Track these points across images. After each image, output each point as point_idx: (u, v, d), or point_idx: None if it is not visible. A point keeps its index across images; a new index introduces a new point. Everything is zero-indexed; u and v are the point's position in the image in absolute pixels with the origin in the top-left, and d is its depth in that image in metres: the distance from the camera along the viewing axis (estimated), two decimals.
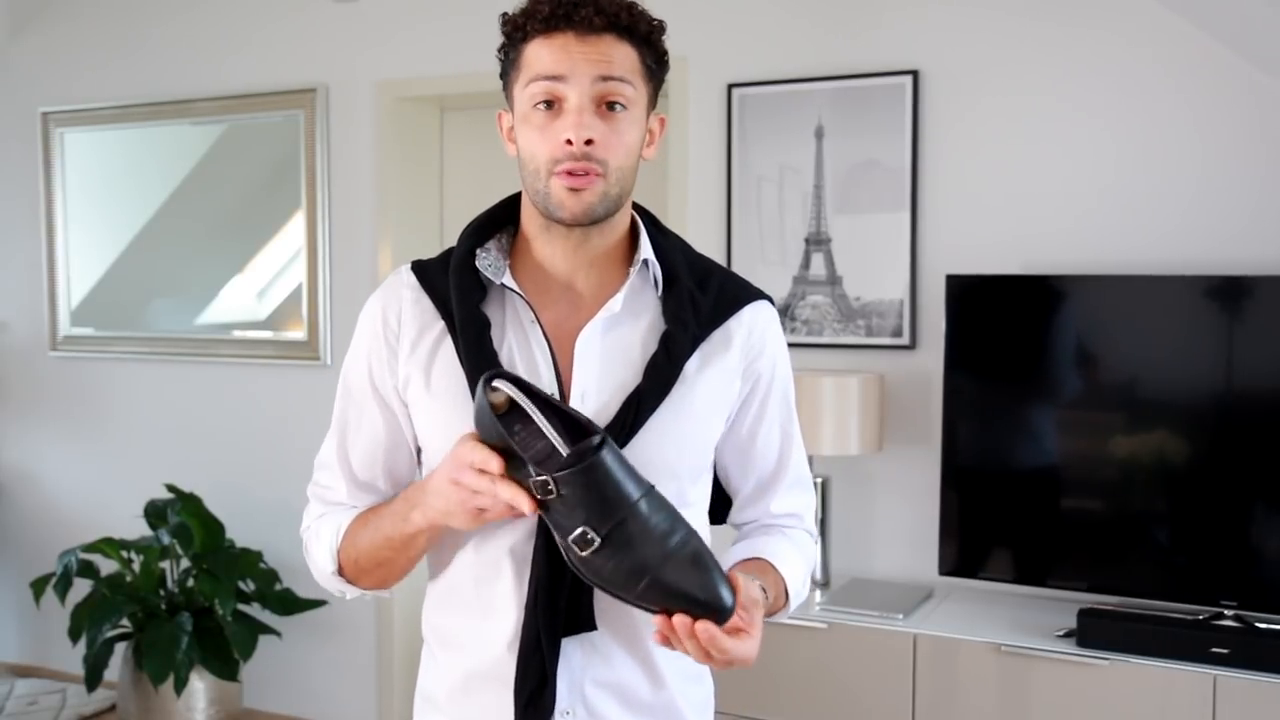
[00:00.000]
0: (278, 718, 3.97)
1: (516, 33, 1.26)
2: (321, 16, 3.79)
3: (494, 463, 1.14)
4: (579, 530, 1.11)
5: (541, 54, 1.23)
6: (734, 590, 1.13)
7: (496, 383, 1.16)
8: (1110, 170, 2.85)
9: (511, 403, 1.16)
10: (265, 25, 3.89)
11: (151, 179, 4.15)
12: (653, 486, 1.15)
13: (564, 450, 1.13)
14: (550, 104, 1.23)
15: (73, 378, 4.34)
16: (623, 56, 1.24)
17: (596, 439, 1.13)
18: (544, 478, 1.12)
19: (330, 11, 3.77)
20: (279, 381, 3.93)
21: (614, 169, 1.24)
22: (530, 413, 1.15)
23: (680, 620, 1.10)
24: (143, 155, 4.16)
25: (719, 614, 1.11)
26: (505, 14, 1.28)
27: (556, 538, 1.15)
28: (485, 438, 1.16)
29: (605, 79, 1.22)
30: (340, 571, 1.36)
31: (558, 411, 1.17)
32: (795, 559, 1.39)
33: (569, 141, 1.21)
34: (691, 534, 1.14)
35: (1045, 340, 2.79)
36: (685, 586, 1.10)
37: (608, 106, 1.23)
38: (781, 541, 1.41)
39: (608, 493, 1.11)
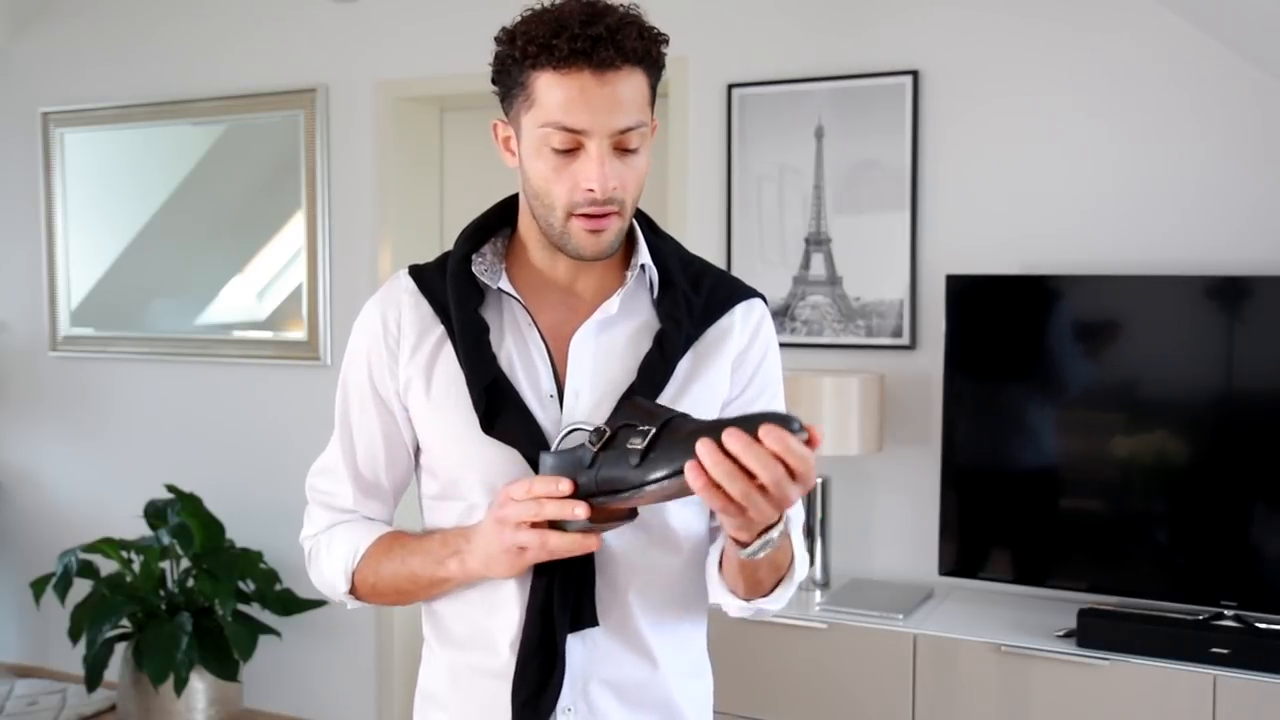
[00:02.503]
0: (278, 718, 3.97)
1: (525, 60, 1.21)
2: (321, 16, 3.79)
3: (564, 484, 1.15)
4: (637, 434, 1.13)
5: (556, 94, 1.19)
6: (791, 417, 1.07)
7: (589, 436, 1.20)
8: (1110, 170, 2.85)
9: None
10: (265, 25, 3.89)
11: (151, 179, 4.15)
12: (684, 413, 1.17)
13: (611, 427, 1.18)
14: (567, 147, 1.21)
15: (73, 378, 4.34)
16: (635, 93, 1.21)
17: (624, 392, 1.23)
18: (595, 428, 1.17)
19: (330, 11, 3.77)
20: (279, 381, 3.93)
21: (630, 202, 1.26)
22: (584, 439, 1.20)
23: (771, 431, 1.03)
24: (143, 155, 4.16)
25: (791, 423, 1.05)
26: (506, 30, 1.23)
27: (620, 492, 1.14)
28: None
29: (625, 130, 1.21)
30: (353, 591, 1.37)
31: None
32: (799, 541, 1.34)
33: (591, 190, 1.21)
34: (733, 419, 1.12)
35: (1045, 340, 2.79)
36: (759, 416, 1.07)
37: (624, 149, 1.23)
38: None
39: (648, 411, 1.16)
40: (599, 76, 1.18)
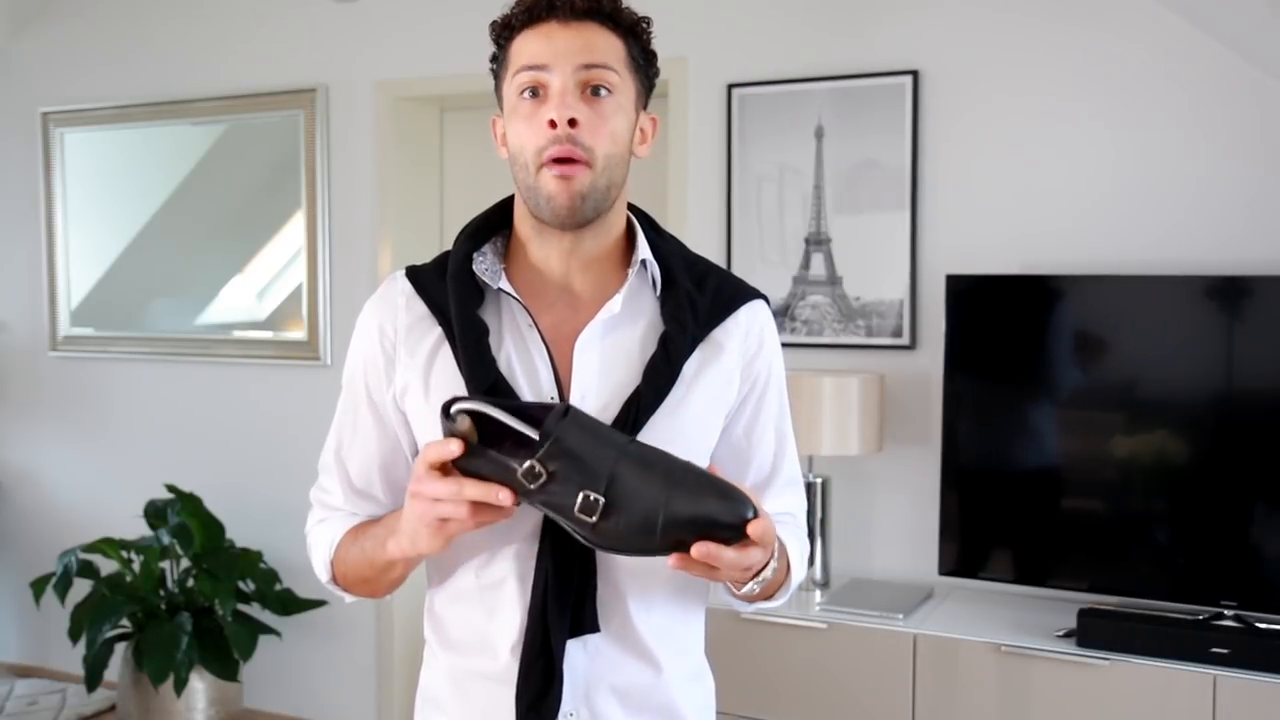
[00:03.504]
0: (278, 718, 3.97)
1: (505, 32, 1.28)
2: (321, 16, 3.79)
3: (453, 445, 1.12)
4: (580, 497, 1.09)
5: (525, 46, 1.25)
6: (748, 499, 1.10)
7: (456, 408, 1.14)
8: (1110, 170, 2.85)
9: (478, 424, 1.15)
10: (265, 25, 3.89)
11: (151, 179, 4.15)
12: (634, 438, 1.14)
13: (535, 435, 1.12)
14: (535, 92, 1.24)
15: (73, 378, 4.34)
16: (606, 44, 1.25)
17: (561, 406, 1.12)
18: (529, 463, 1.10)
19: (330, 11, 3.77)
20: (279, 381, 3.93)
21: (601, 157, 1.24)
22: (496, 415, 1.13)
23: (702, 549, 1.08)
24: (143, 155, 4.16)
25: (740, 529, 1.09)
26: (494, 21, 1.29)
27: (563, 523, 1.13)
28: (463, 467, 1.14)
29: (589, 66, 1.23)
30: (335, 580, 1.38)
31: (524, 413, 1.15)
32: (791, 538, 1.36)
33: (552, 124, 1.21)
34: (689, 466, 1.12)
35: (1045, 340, 2.79)
36: (702, 512, 1.08)
37: (592, 92, 1.24)
38: (781, 527, 1.38)
39: (594, 449, 1.10)
40: (564, 24, 1.24)
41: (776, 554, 1.23)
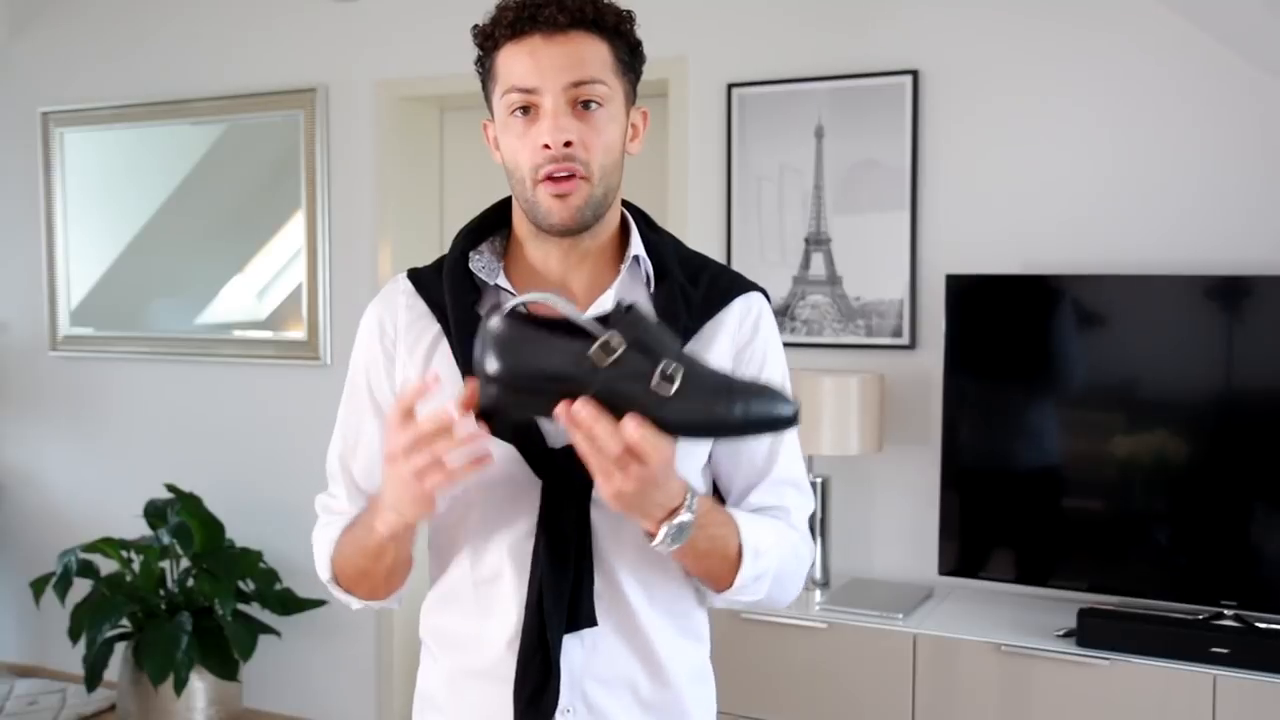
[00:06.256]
0: (278, 718, 3.97)
1: (488, 42, 1.27)
2: (321, 16, 3.79)
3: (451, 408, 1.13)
4: (660, 366, 1.10)
5: (512, 62, 1.24)
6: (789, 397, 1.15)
7: (521, 300, 1.16)
8: (1110, 170, 2.85)
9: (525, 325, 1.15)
10: (265, 25, 3.89)
11: (151, 179, 4.15)
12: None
13: (602, 331, 1.12)
14: (526, 110, 1.24)
15: (73, 378, 4.34)
16: (593, 54, 1.24)
17: (626, 303, 1.14)
18: (604, 337, 1.10)
19: (330, 11, 3.77)
20: (279, 381, 3.93)
21: (597, 168, 1.25)
22: (568, 314, 1.14)
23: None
24: (143, 155, 4.16)
25: (792, 420, 1.15)
26: (476, 25, 1.28)
27: (627, 402, 1.10)
28: (509, 365, 1.13)
29: (578, 84, 1.23)
30: (336, 581, 1.38)
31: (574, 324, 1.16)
32: (765, 529, 1.31)
33: (546, 146, 1.22)
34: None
35: (1045, 340, 2.79)
36: (766, 408, 1.12)
37: (583, 105, 1.24)
38: (754, 514, 1.34)
39: (661, 336, 1.13)
40: (548, 38, 1.23)
41: (689, 507, 1.18)
